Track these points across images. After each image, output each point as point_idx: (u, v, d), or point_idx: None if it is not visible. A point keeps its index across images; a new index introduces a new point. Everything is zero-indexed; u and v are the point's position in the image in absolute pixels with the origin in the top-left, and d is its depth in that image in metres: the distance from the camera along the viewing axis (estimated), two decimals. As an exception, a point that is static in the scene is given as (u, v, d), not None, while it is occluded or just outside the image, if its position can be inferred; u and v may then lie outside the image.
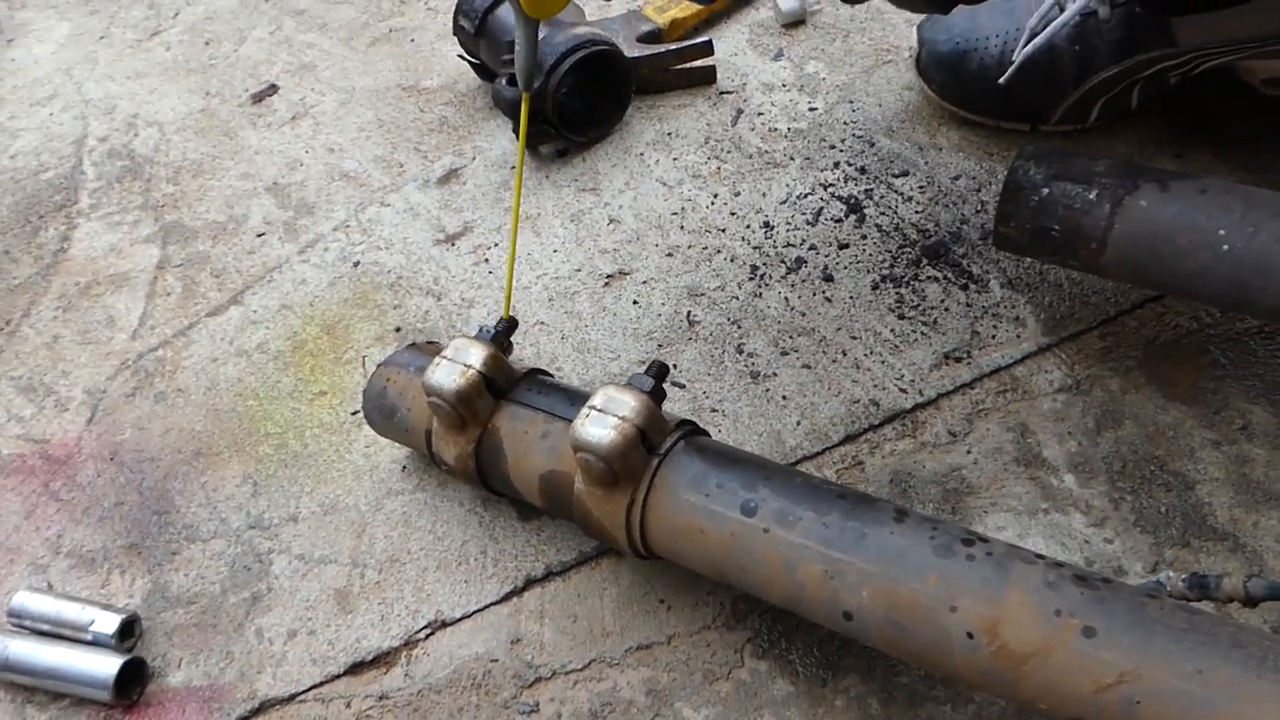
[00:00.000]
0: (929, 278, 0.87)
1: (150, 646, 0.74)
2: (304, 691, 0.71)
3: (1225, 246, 0.66)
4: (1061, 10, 0.87)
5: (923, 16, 1.00)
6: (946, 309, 0.84)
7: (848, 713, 0.65)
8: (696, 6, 1.11)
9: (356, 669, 0.72)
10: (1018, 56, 0.88)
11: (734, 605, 0.70)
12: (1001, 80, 0.90)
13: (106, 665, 0.71)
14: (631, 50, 1.05)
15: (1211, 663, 0.48)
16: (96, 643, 0.73)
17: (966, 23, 0.94)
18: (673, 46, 1.06)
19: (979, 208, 0.91)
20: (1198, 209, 0.68)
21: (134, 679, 0.72)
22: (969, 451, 0.75)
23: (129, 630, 0.74)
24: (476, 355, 0.69)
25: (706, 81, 1.08)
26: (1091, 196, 0.71)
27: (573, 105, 1.01)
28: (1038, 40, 0.87)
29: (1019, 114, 0.94)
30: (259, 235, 1.03)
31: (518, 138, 1.03)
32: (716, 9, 1.14)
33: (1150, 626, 0.50)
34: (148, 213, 1.08)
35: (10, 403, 0.92)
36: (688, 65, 1.07)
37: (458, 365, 0.69)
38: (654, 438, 0.64)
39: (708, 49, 1.06)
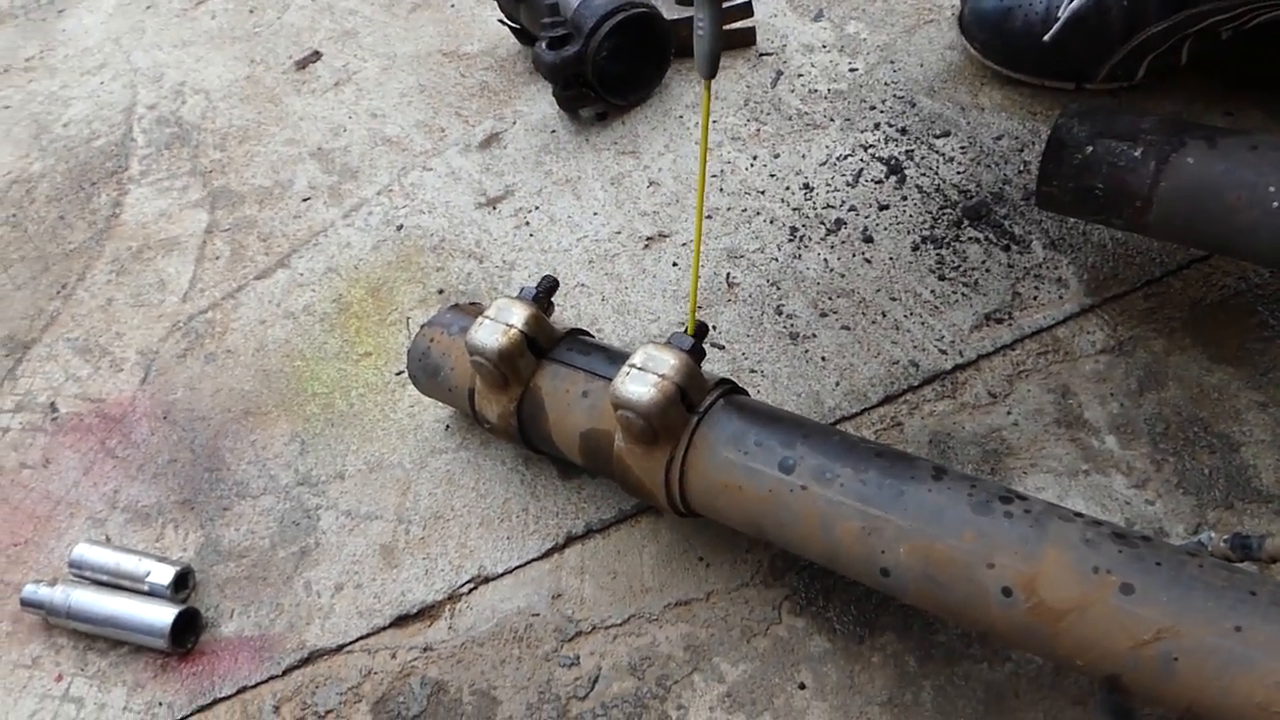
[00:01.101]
0: (970, 239, 0.86)
1: (203, 598, 0.76)
2: (351, 642, 0.73)
3: (1276, 204, 0.65)
4: (1110, -35, 0.85)
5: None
6: (988, 270, 0.84)
7: (884, 670, 0.65)
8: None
9: (401, 621, 0.73)
10: (1064, 13, 0.87)
11: (772, 563, 0.71)
12: (1047, 37, 0.88)
13: (163, 615, 0.73)
14: (671, 12, 1.05)
15: (1251, 620, 0.48)
16: (153, 593, 0.75)
17: (1011, -20, 0.93)
18: (713, 8, 1.06)
19: (1021, 168, 0.90)
20: (1247, 166, 0.67)
21: (189, 628, 0.74)
22: (1009, 413, 0.75)
23: (183, 581, 0.76)
24: (519, 315, 0.70)
25: (746, 43, 1.07)
26: (1137, 154, 0.70)
27: (613, 68, 1.01)
28: (1085, -5, 0.86)
29: (1064, 72, 0.93)
30: (304, 200, 1.05)
31: (558, 102, 1.03)
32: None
33: (1189, 584, 0.50)
34: (196, 178, 1.10)
35: (68, 363, 0.95)
36: (727, 27, 1.06)
37: (500, 325, 0.70)
38: (693, 396, 0.65)
39: (747, 10, 1.06)
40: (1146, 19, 0.86)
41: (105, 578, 0.77)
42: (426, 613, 0.73)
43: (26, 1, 1.43)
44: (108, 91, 1.24)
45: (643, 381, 0.63)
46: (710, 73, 0.60)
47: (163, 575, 0.75)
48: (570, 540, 0.75)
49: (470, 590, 0.74)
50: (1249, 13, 0.83)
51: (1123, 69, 0.90)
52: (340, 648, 0.73)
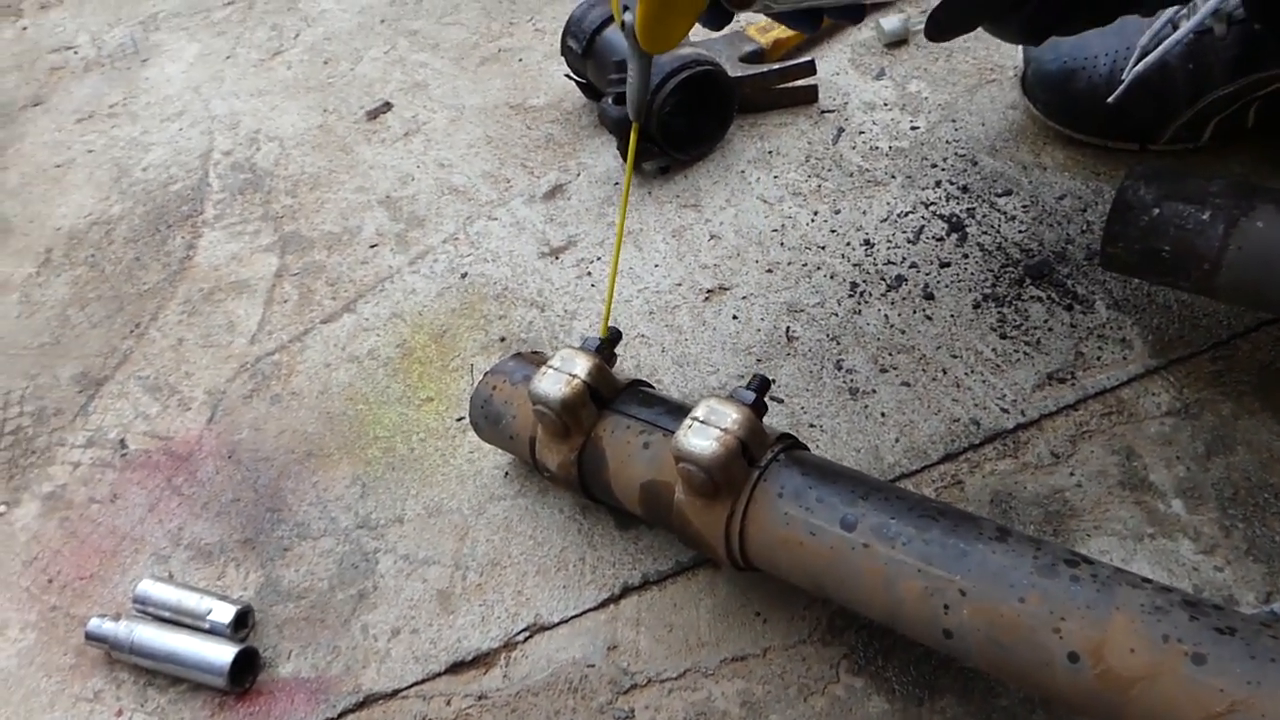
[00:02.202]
0: (1032, 297, 0.86)
1: (262, 638, 0.77)
2: (406, 688, 0.73)
3: (1347, 270, 0.64)
4: (1175, 28, 0.86)
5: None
6: (1050, 329, 0.83)
7: (944, 732, 0.64)
8: (800, 27, 1.12)
9: (457, 668, 0.73)
10: (1128, 75, 0.87)
11: (830, 620, 0.70)
12: (1111, 99, 0.89)
13: (222, 653, 0.74)
14: (735, 70, 1.06)
15: (1329, 694, 0.47)
16: (213, 631, 0.76)
17: (1074, 41, 0.93)
18: (775, 66, 1.07)
19: (1085, 228, 0.89)
20: (1318, 231, 0.66)
21: (247, 668, 0.75)
22: (1072, 473, 0.74)
23: (243, 621, 0.77)
24: (582, 365, 0.71)
25: (808, 100, 1.09)
26: (1205, 217, 0.70)
27: (676, 123, 1.03)
28: (1149, 59, 0.86)
29: (1128, 133, 0.93)
30: (372, 246, 1.07)
31: (622, 156, 1.05)
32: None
33: (1264, 655, 0.49)
34: (268, 223, 1.13)
35: (138, 401, 0.97)
36: (790, 84, 1.08)
37: (564, 375, 0.71)
38: (755, 450, 0.65)
39: (810, 69, 1.07)
40: (1212, 82, 0.86)
41: (168, 614, 0.78)
42: (482, 660, 0.74)
43: (113, 51, 1.49)
44: (186, 138, 1.29)
45: (705, 435, 0.63)
46: (637, 116, 0.69)
47: (223, 614, 0.76)
48: (627, 591, 0.75)
49: (526, 639, 0.74)
50: (1317, 77, 0.83)
51: (1188, 131, 0.90)
52: (395, 693, 0.73)
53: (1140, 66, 0.86)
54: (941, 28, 0.64)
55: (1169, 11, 0.86)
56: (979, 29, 0.65)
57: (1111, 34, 0.91)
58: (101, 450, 0.93)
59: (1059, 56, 0.94)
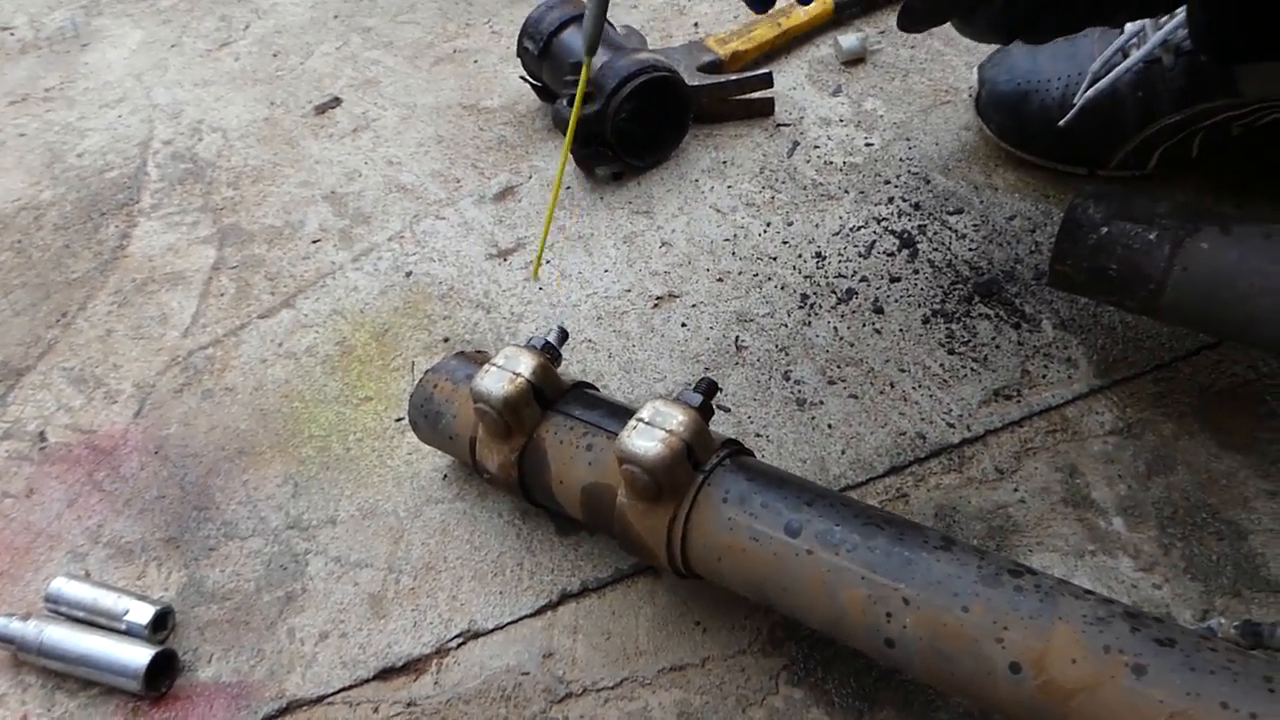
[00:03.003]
0: (980, 315, 0.86)
1: (182, 640, 0.74)
2: (332, 694, 0.70)
3: (1290, 292, 0.65)
4: (1125, 56, 0.87)
5: (984, 56, 1.01)
6: (997, 346, 0.83)
7: (882, 747, 0.63)
8: (758, 40, 1.12)
9: (386, 674, 0.71)
10: (1079, 100, 0.88)
11: (771, 631, 0.69)
12: (1062, 123, 0.90)
13: (138, 655, 0.71)
14: (692, 79, 1.06)
15: (1266, 706, 0.47)
16: (130, 633, 0.73)
17: (1028, 64, 0.94)
18: (733, 77, 1.07)
19: (1033, 248, 0.90)
20: (1261, 253, 0.67)
21: (164, 671, 0.72)
22: (1016, 489, 0.74)
23: (162, 622, 0.74)
24: (526, 364, 0.69)
25: (764, 113, 1.09)
26: (1151, 237, 0.70)
27: (632, 130, 1.02)
28: (1100, 85, 0.87)
29: (1078, 158, 0.94)
30: (314, 242, 1.05)
31: (575, 159, 1.04)
32: (778, 44, 1.15)
33: (1203, 667, 0.49)
34: (207, 215, 1.10)
35: (61, 393, 0.93)
36: (747, 96, 1.08)
37: (507, 373, 0.69)
38: (700, 454, 0.64)
39: (767, 81, 1.07)
40: (1160, 110, 0.88)
41: (82, 614, 0.74)
42: (412, 666, 0.71)
43: (52, 34, 1.45)
44: (125, 125, 1.25)
45: (649, 436, 0.62)
46: (590, 51, 0.69)
47: (141, 614, 0.73)
48: (565, 598, 0.73)
49: (459, 645, 0.72)
50: (1260, 111, 0.85)
51: (1135, 158, 0.91)
52: (321, 699, 0.70)
53: (1091, 92, 0.88)
54: (916, 18, 0.63)
55: (1120, 39, 0.88)
56: (948, 25, 0.65)
57: (1064, 59, 0.93)
58: (19, 443, 0.89)
59: (1013, 79, 0.95)
